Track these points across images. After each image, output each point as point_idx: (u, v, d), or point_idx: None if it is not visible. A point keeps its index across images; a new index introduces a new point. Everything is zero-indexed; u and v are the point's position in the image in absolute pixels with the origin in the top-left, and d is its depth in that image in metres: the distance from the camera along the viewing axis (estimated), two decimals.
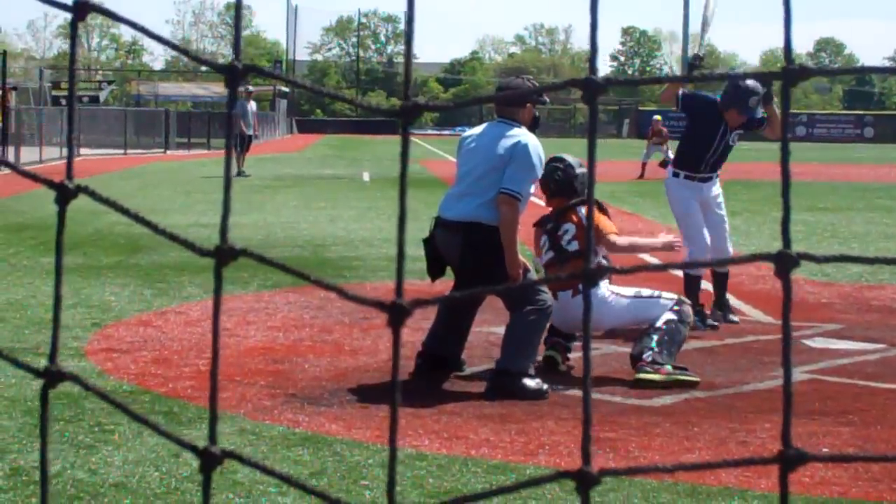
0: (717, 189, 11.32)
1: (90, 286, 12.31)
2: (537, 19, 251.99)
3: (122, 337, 9.73)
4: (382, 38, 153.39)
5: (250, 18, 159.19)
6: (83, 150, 43.91)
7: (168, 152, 53.09)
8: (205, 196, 25.22)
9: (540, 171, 8.59)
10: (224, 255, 1.32)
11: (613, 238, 8.96)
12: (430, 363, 8.56)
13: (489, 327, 10.43)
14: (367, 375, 8.47)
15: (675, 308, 8.61)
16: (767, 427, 7.30)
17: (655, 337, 8.54)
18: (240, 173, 33.40)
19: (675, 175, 11.29)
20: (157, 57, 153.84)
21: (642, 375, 8.41)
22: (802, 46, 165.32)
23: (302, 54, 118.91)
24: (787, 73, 1.26)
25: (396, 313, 1.28)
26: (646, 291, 8.89)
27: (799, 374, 8.80)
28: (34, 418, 7.19)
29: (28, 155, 36.72)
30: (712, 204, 11.16)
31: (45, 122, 40.92)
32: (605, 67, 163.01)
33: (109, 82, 78.87)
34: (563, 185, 9.16)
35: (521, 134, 8.48)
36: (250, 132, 34.91)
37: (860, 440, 7.04)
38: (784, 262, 1.27)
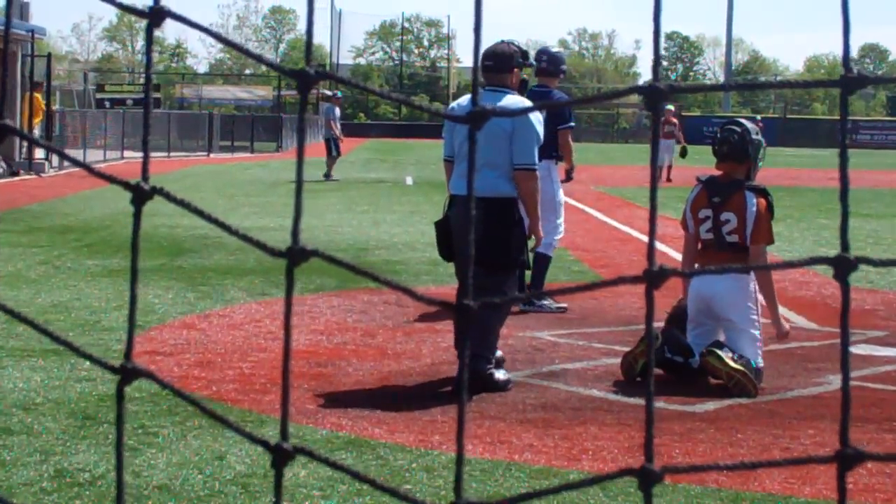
0: None
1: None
2: (581, 24, 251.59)
3: (165, 339, 9.78)
4: (426, 42, 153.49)
5: (294, 22, 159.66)
6: (127, 153, 44.11)
7: (211, 155, 53.33)
8: (248, 199, 25.31)
9: (542, 133, 8.64)
10: (296, 255, 1.35)
11: (763, 250, 8.88)
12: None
13: (532, 332, 10.44)
14: (411, 379, 8.49)
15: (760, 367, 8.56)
16: (811, 433, 7.27)
17: (746, 360, 8.39)
18: (327, 176, 33.58)
19: (556, 164, 12.22)
20: (200, 60, 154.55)
21: (717, 350, 8.36)
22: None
23: (345, 58, 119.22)
24: (845, 81, 1.27)
25: (464, 313, 1.30)
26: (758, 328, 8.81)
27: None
28: (78, 420, 7.24)
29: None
30: None
31: (88, 125, 41.13)
32: (647, 73, 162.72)
33: (155, 86, 79.14)
34: (736, 148, 8.96)
35: (517, 101, 8.47)
36: (339, 134, 35.15)
37: None
38: (842, 266, 1.27)
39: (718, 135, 9.06)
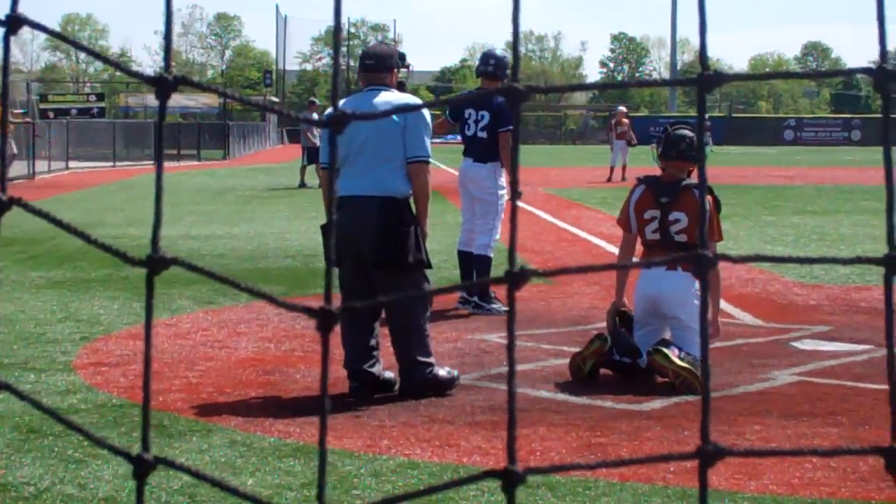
0: None
1: (79, 300, 12.31)
2: (526, 27, 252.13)
3: (111, 350, 9.73)
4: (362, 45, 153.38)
5: (239, 29, 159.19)
6: (72, 164, 43.86)
7: None
8: (195, 207, 25.20)
9: (431, 125, 8.70)
10: (156, 264, 1.34)
11: (716, 247, 8.94)
12: (364, 384, 8.34)
13: (480, 334, 10.45)
14: (338, 384, 8.46)
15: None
16: (757, 429, 7.32)
17: (692, 358, 8.43)
18: (301, 184, 33.49)
19: (502, 166, 12.20)
20: (145, 68, 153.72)
21: (663, 348, 8.41)
22: (790, 50, 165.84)
23: (292, 64, 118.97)
24: (703, 79, 1.28)
25: (325, 319, 1.31)
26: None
27: (787, 376, 8.83)
28: (22, 434, 7.19)
29: (17, 169, 36.68)
30: None
31: (33, 136, 40.85)
32: (594, 74, 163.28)
33: (99, 95, 78.74)
34: (688, 149, 9.01)
35: (402, 97, 8.57)
36: (317, 142, 34.90)
37: (848, 441, 7.06)
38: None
39: (665, 135, 9.11)
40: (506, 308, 10.43)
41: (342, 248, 8.19)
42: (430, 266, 8.45)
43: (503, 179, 12.21)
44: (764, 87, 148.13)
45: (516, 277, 1.30)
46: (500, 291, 12.04)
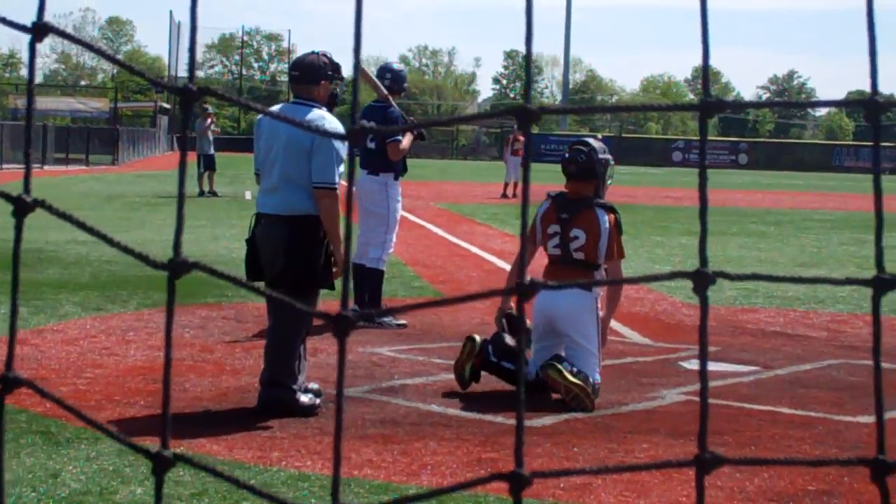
0: None
1: None
2: (422, 41, 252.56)
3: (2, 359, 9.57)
4: (266, 56, 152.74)
5: (131, 33, 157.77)
6: None
7: (45, 167, 52.34)
8: (82, 213, 24.75)
9: (344, 152, 8.19)
10: (178, 267, 1.37)
11: (621, 265, 9.04)
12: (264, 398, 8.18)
13: (371, 347, 10.45)
14: (250, 396, 8.42)
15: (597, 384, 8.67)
16: (645, 447, 7.40)
17: (584, 376, 8.53)
18: (212, 193, 33.22)
19: (396, 179, 12.29)
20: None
21: (557, 364, 8.49)
22: (680, 74, 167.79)
23: (183, 71, 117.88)
24: (705, 105, 1.31)
25: (341, 324, 1.34)
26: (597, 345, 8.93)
27: (676, 396, 8.94)
28: None
29: None
30: None
31: None
32: (486, 90, 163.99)
33: None
34: (584, 167, 9.11)
35: (317, 117, 8.14)
36: (211, 151, 34.53)
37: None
38: (701, 280, 1.34)
39: (567, 154, 9.20)
40: (398, 322, 10.45)
41: (264, 263, 8.15)
42: (332, 288, 8.30)
43: (397, 192, 12.21)
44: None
45: (525, 289, 1.35)
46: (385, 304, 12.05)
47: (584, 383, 8.39)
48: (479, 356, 8.79)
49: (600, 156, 9.18)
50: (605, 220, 8.96)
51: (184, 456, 1.45)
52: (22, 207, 1.44)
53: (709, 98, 1.36)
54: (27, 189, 1.45)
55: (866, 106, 1.31)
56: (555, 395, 8.54)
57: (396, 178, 12.15)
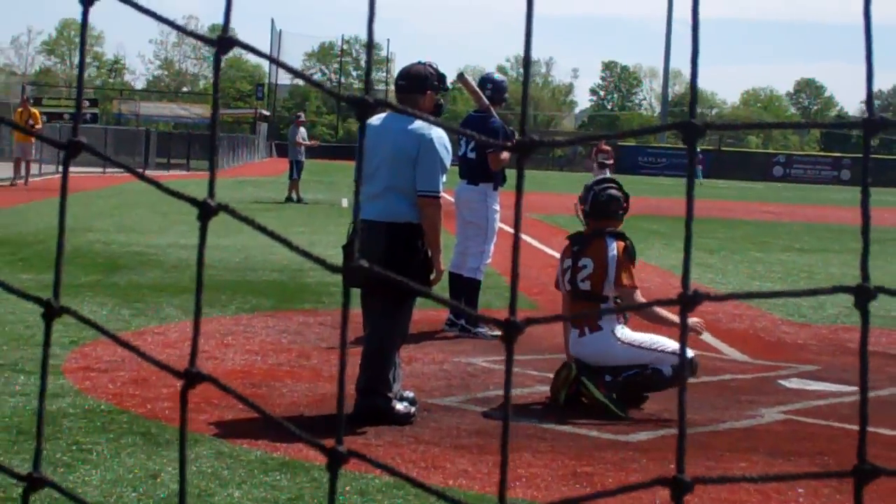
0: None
1: (68, 304, 12.21)
2: (518, 51, 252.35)
3: (99, 356, 9.72)
4: (363, 65, 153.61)
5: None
6: (61, 167, 43.73)
7: (147, 172, 52.88)
8: (182, 217, 25.13)
9: (448, 161, 8.33)
10: (351, 273, 1.43)
11: (637, 294, 8.97)
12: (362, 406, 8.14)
13: (467, 358, 10.46)
14: (347, 403, 8.44)
15: (676, 366, 8.60)
16: (743, 466, 7.32)
17: (633, 373, 8.62)
18: (299, 199, 33.48)
19: (495, 189, 12.21)
20: (138, 76, 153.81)
21: (587, 382, 8.61)
22: (782, 87, 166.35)
23: (283, 79, 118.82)
24: (867, 123, 1.30)
25: (511, 330, 1.37)
26: (662, 342, 8.84)
27: (775, 415, 8.84)
28: (12, 435, 7.18)
29: (4, 171, 36.63)
30: None
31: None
32: (584, 101, 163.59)
33: (92, 101, 78.63)
34: (600, 206, 9.16)
35: (424, 126, 8.17)
36: (303, 158, 34.88)
37: (835, 481, 7.08)
38: (863, 295, 1.34)
39: (594, 197, 9.23)
40: (493, 333, 10.44)
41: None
42: (430, 296, 8.29)
43: (496, 202, 12.21)
44: (754, 121, 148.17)
45: (689, 300, 1.36)
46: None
47: (613, 399, 8.57)
48: (573, 384, 8.79)
49: (609, 193, 9.21)
50: (613, 246, 8.92)
51: (357, 452, 1.49)
52: (206, 211, 1.49)
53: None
54: (212, 193, 1.49)
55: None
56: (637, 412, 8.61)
57: (496, 189, 12.14)
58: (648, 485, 1.41)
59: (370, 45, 1.41)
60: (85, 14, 1.51)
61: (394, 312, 8.12)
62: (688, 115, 1.40)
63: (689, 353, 8.76)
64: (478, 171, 12.07)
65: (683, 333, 1.43)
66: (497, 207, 12.24)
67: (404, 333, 8.34)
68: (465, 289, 12.09)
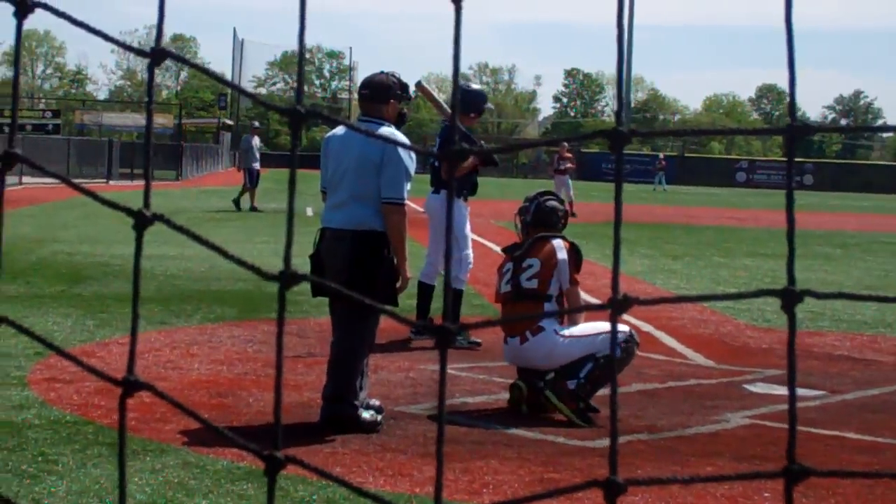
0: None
1: (33, 315, 12.23)
2: (482, 59, 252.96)
3: (64, 367, 9.67)
4: (327, 73, 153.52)
5: (195, 50, 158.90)
6: (25, 179, 43.59)
7: (111, 182, 52.82)
8: (147, 227, 25.00)
9: (413, 168, 8.39)
10: (288, 279, 1.42)
11: (579, 291, 9.03)
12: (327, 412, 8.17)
13: (434, 365, 10.45)
14: (312, 411, 8.44)
15: (622, 344, 8.63)
16: (710, 470, 7.34)
17: (589, 367, 8.62)
18: (253, 208, 33.42)
19: (460, 197, 12.09)
20: (100, 87, 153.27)
21: (551, 397, 8.59)
22: (744, 93, 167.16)
23: (246, 88, 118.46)
24: (791, 129, 1.31)
25: (444, 336, 1.38)
26: (598, 326, 8.85)
27: (741, 419, 8.87)
28: None
29: None
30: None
31: None
32: (547, 108, 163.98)
33: (55, 112, 78.29)
34: (542, 216, 9.27)
35: (388, 134, 8.17)
36: (258, 167, 34.88)
37: (801, 485, 7.09)
38: (790, 298, 1.35)
39: (536, 208, 9.33)
40: (470, 341, 10.42)
41: (327, 278, 8.19)
42: (396, 304, 8.36)
43: (463, 210, 12.18)
44: (717, 127, 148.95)
45: (619, 305, 1.36)
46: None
47: (580, 408, 8.53)
48: (529, 396, 8.81)
49: (552, 204, 9.39)
50: (562, 246, 9.02)
51: (295, 458, 1.49)
52: (142, 221, 1.49)
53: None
54: (147, 203, 1.50)
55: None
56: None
57: (461, 197, 12.10)
58: (582, 487, 1.41)
59: (301, 56, 1.40)
60: (19, 26, 1.51)
61: (360, 320, 8.12)
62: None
63: (625, 328, 8.84)
64: (442, 179, 12.06)
65: (613, 338, 1.44)
66: (464, 214, 12.20)
67: (371, 341, 8.34)
68: (429, 298, 12.08)
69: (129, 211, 1.52)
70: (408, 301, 13.10)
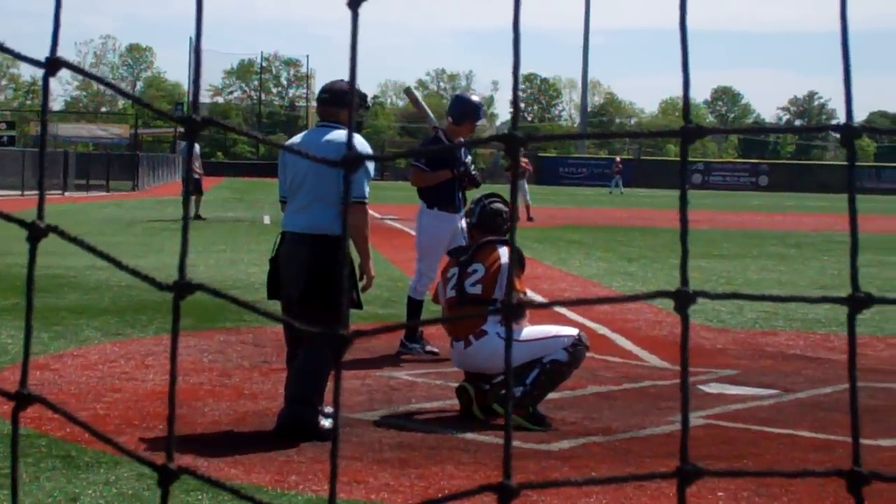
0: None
1: None
2: (439, 65, 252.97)
3: (18, 380, 9.59)
4: (284, 81, 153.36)
5: (151, 60, 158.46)
6: None
7: (66, 194, 52.56)
8: (102, 238, 24.96)
9: (372, 168, 8.56)
10: (182, 289, 1.41)
11: (521, 297, 9.04)
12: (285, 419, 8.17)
13: (389, 371, 10.46)
14: (268, 420, 8.44)
15: (569, 349, 8.65)
16: (664, 471, 7.37)
17: (535, 373, 8.62)
18: (197, 216, 33.31)
19: (430, 207, 11.87)
20: (56, 98, 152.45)
21: (497, 408, 8.63)
22: (700, 95, 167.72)
23: (203, 96, 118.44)
24: (685, 131, 1.33)
25: (338, 343, 1.39)
26: (545, 329, 8.87)
27: (695, 420, 8.91)
28: None
29: None
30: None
31: None
32: (505, 113, 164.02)
33: (9, 123, 77.79)
34: (486, 219, 9.32)
35: (345, 135, 8.28)
36: (200, 174, 34.84)
37: (755, 484, 7.15)
38: (683, 299, 1.37)
39: (481, 210, 9.38)
40: (429, 349, 10.41)
41: (284, 282, 8.27)
42: (360, 307, 8.39)
43: (430, 220, 11.93)
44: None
45: (512, 309, 1.39)
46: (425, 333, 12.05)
47: (529, 413, 8.50)
48: (478, 397, 8.82)
49: (496, 206, 9.42)
50: (506, 252, 9.05)
51: (188, 469, 1.48)
52: (36, 233, 1.48)
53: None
54: (41, 215, 1.48)
55: (842, 130, 1.34)
56: (570, 420, 8.59)
57: (430, 207, 11.86)
58: (476, 492, 1.42)
59: (198, 65, 1.41)
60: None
61: (330, 325, 8.10)
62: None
63: (573, 331, 8.87)
64: (420, 190, 11.92)
65: (507, 345, 1.45)
66: (432, 225, 11.88)
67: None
68: (418, 315, 11.88)
69: (22, 223, 1.52)
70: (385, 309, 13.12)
